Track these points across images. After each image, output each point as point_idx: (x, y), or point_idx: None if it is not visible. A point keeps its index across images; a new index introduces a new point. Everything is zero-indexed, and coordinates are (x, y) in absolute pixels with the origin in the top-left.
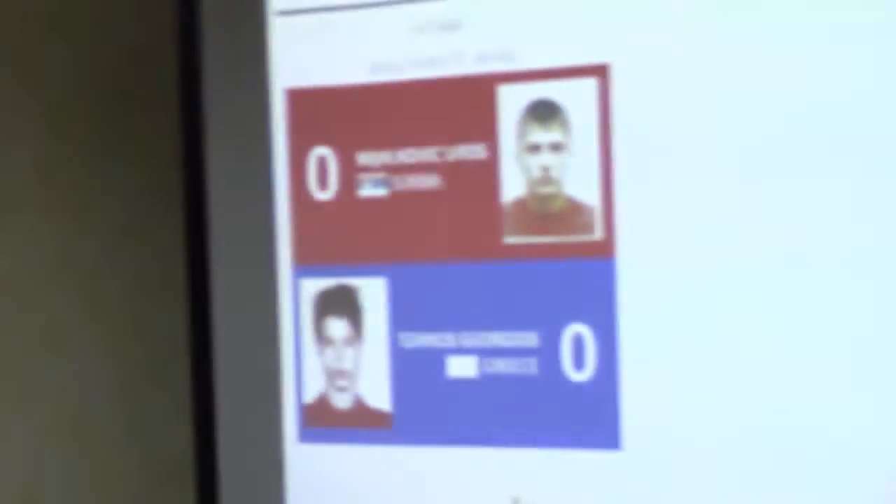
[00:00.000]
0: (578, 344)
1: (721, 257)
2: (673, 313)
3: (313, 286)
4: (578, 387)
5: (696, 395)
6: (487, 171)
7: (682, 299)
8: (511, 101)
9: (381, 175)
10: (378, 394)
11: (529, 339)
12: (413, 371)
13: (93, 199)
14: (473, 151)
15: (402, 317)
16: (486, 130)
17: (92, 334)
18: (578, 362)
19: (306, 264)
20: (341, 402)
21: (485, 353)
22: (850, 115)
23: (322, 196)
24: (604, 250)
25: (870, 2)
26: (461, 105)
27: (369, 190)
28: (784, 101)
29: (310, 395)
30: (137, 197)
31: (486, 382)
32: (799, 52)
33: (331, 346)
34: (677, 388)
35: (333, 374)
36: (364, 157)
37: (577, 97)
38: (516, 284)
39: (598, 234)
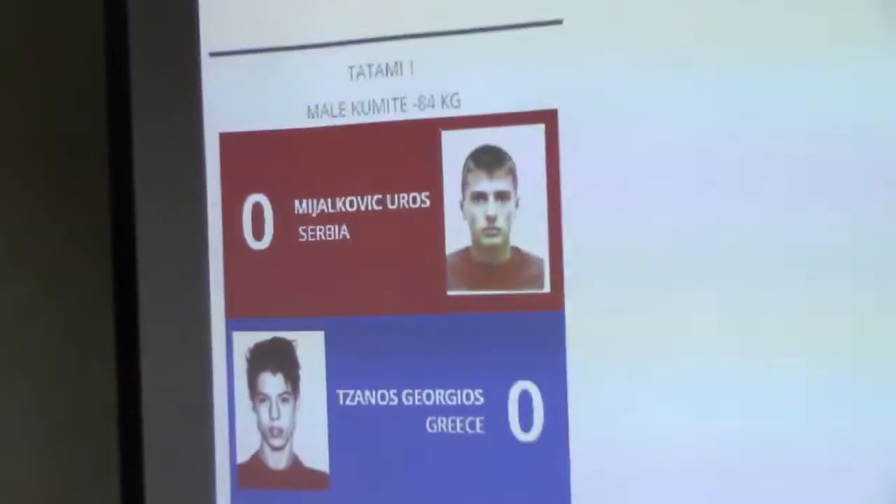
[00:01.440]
0: (526, 402)
1: (674, 308)
2: (625, 367)
3: (248, 340)
4: (526, 447)
5: (649, 455)
6: (431, 221)
7: (634, 352)
8: (455, 148)
9: (319, 224)
10: (315, 453)
11: (475, 396)
12: (352, 429)
13: (19, 244)
14: (416, 200)
15: (341, 372)
16: (429, 178)
17: (17, 384)
18: (526, 421)
19: (240, 317)
20: (277, 461)
21: (428, 411)
22: (800, 160)
23: (257, 245)
24: (552, 303)
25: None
26: (403, 151)
27: (306, 239)
28: (736, 141)
29: (244, 455)
30: (65, 242)
31: (429, 442)
32: (746, 91)
33: (266, 402)
34: (630, 447)
35: (268, 432)
36: (301, 206)
37: (523, 143)
38: (460, 339)
39: (546, 286)
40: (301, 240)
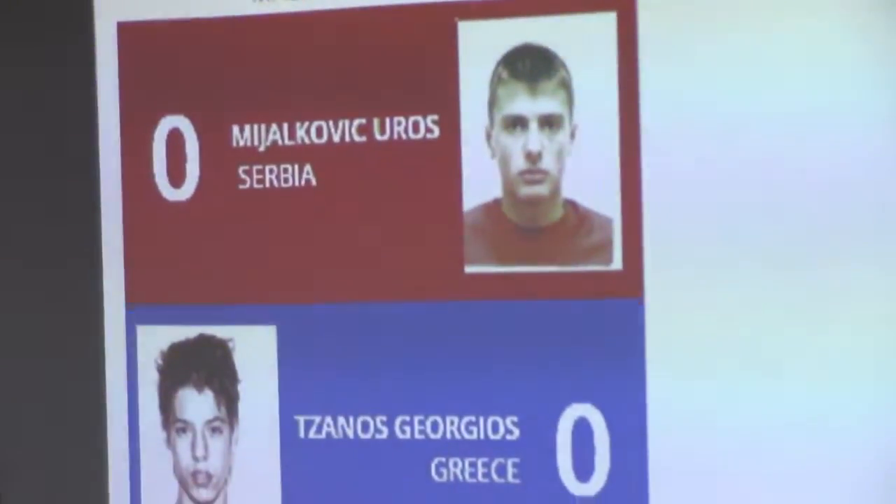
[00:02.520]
0: (583, 435)
1: (792, 295)
2: (730, 383)
3: (159, 338)
4: None
5: None
6: (441, 159)
7: (739, 361)
8: (479, 48)
9: (269, 163)
10: None
11: (506, 427)
12: (318, 477)
13: None
14: (419, 127)
15: (302, 389)
16: (438, 94)
17: None
18: (583, 464)
19: (148, 303)
20: None
21: (434, 449)
22: None
23: (175, 195)
24: (625, 287)
25: None
26: (399, 52)
27: (251, 185)
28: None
29: None
30: None
31: (435, 497)
32: None
33: (187, 434)
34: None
35: (191, 480)
36: (242, 135)
37: (583, 42)
38: (484, 340)
39: (616, 261)
40: (242, 187)
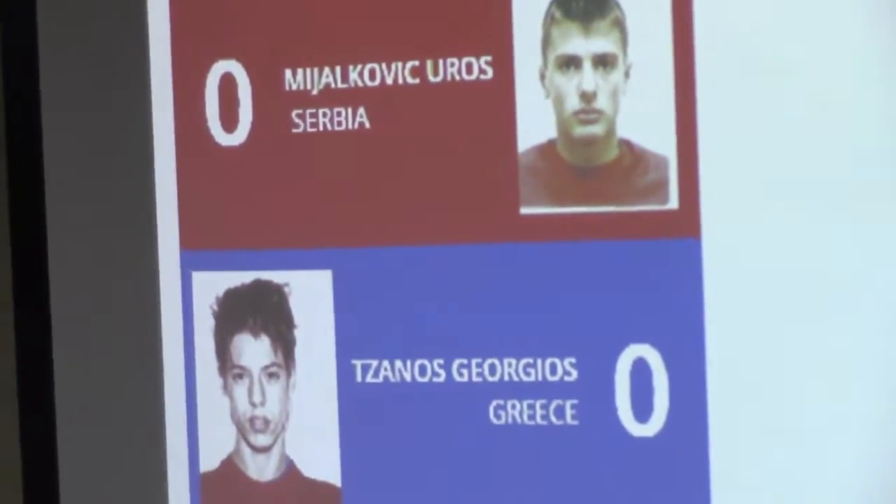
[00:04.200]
0: (642, 376)
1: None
2: (789, 324)
3: (214, 283)
4: (642, 444)
5: (813, 447)
6: (494, 100)
7: (800, 301)
8: None
9: (323, 106)
10: (320, 458)
11: (563, 368)
12: (376, 421)
13: None
14: (472, 68)
15: (358, 333)
16: (491, 34)
17: None
18: (642, 406)
19: (203, 248)
20: (261, 469)
21: (492, 391)
22: None
23: (228, 140)
24: (682, 226)
25: None
26: None
27: (304, 129)
28: None
29: (210, 461)
30: None
31: (494, 439)
32: None
33: (244, 379)
34: (794, 439)
35: (248, 425)
36: (295, 78)
37: None
38: (540, 281)
39: (672, 200)
40: (295, 131)
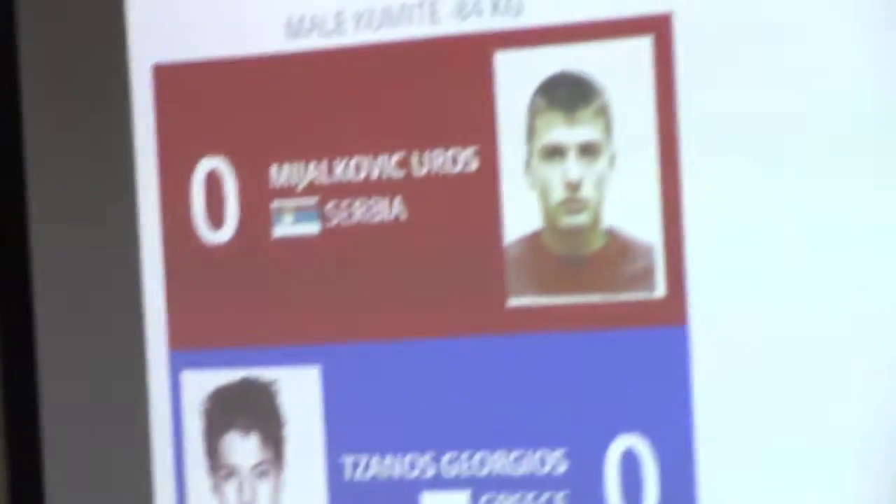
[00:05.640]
0: (631, 466)
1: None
2: (774, 409)
3: (203, 382)
4: None
5: None
6: (481, 191)
7: (784, 386)
8: (516, 78)
9: (308, 201)
10: None
11: (554, 461)
12: None
13: None
14: (457, 160)
15: (347, 429)
16: (476, 125)
17: None
18: (632, 495)
19: (190, 348)
20: None
21: (481, 485)
22: None
23: (215, 237)
24: (669, 314)
25: None
26: (436, 85)
27: (290, 226)
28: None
29: None
30: None
31: None
32: None
33: (234, 478)
34: None
35: None
36: (281, 174)
37: (620, 68)
38: (529, 373)
39: (659, 288)
40: (280, 227)
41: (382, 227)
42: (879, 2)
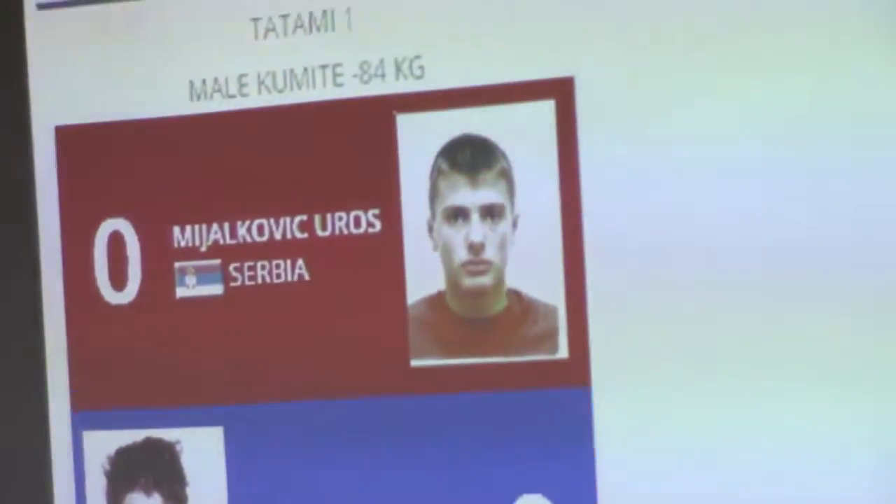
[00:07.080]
0: None
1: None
2: (681, 471)
3: (105, 443)
4: None
5: None
6: (383, 253)
7: (690, 448)
8: (418, 140)
9: (211, 262)
10: None
11: None
12: None
13: None
14: (360, 221)
15: (251, 490)
16: (379, 188)
17: None
18: None
19: (93, 409)
20: None
21: None
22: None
23: (117, 298)
24: (572, 375)
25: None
26: (338, 147)
27: (193, 287)
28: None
29: None
30: None
31: None
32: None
33: None
34: None
35: None
36: (184, 236)
37: (523, 130)
38: (433, 434)
39: (562, 349)
40: (183, 288)
41: (285, 287)
42: (778, 63)
